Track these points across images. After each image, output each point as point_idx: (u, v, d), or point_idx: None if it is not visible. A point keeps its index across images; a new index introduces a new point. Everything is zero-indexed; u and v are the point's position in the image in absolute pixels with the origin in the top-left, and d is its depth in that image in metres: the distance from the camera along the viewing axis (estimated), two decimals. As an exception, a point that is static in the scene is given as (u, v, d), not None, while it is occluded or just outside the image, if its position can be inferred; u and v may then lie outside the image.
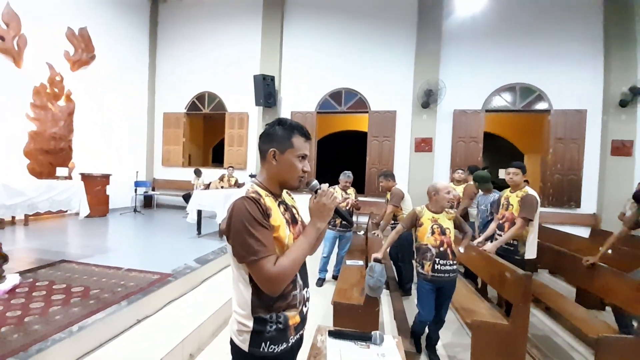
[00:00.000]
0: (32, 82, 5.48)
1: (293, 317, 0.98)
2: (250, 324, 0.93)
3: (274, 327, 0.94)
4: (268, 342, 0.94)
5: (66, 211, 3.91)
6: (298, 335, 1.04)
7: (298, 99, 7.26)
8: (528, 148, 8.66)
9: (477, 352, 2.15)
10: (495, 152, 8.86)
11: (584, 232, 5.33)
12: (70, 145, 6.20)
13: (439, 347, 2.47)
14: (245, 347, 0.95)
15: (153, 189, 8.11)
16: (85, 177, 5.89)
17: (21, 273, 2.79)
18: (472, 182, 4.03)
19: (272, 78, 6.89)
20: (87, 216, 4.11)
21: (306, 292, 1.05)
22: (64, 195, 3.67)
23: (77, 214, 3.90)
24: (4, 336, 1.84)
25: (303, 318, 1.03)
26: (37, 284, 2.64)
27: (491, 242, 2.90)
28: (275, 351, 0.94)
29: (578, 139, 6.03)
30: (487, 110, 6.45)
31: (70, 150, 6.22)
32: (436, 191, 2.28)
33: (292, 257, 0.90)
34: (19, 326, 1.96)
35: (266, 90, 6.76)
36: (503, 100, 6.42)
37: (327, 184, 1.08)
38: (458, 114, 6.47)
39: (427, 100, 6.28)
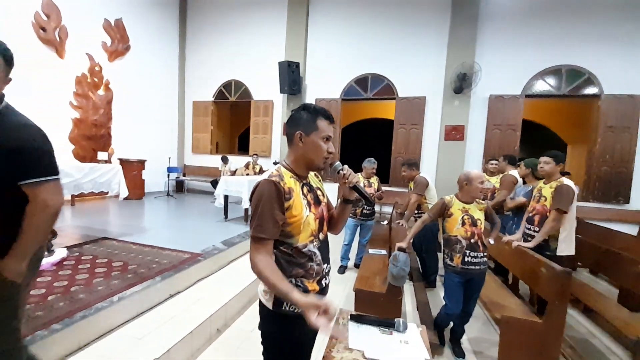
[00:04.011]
0: (74, 72, 5.84)
1: (311, 284, 1.07)
2: None
3: None
4: (289, 302, 1.00)
5: (107, 193, 4.22)
6: None
7: (323, 86, 7.15)
8: (572, 138, 7.95)
9: (505, 349, 2.06)
10: (534, 142, 8.21)
11: (632, 230, 4.86)
12: (109, 132, 6.61)
13: (464, 341, 2.40)
14: (270, 305, 1.06)
15: (184, 175, 8.50)
16: (123, 162, 6.24)
17: (68, 247, 3.05)
18: (509, 173, 3.77)
19: (297, 65, 6.82)
20: (125, 198, 4.41)
21: (326, 266, 1.13)
22: (105, 178, 3.96)
23: (117, 195, 4.20)
24: (51, 303, 2.02)
25: (322, 288, 1.12)
26: (82, 257, 2.88)
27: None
28: (296, 310, 1.01)
29: (631, 128, 5.43)
30: (527, 96, 5.96)
31: (110, 136, 6.63)
32: (469, 180, 2.16)
33: (266, 275, 0.94)
34: (65, 295, 2.15)
35: (291, 78, 6.72)
36: (546, 85, 5.89)
37: (346, 166, 1.12)
38: (494, 100, 6.06)
39: (461, 85, 5.92)
